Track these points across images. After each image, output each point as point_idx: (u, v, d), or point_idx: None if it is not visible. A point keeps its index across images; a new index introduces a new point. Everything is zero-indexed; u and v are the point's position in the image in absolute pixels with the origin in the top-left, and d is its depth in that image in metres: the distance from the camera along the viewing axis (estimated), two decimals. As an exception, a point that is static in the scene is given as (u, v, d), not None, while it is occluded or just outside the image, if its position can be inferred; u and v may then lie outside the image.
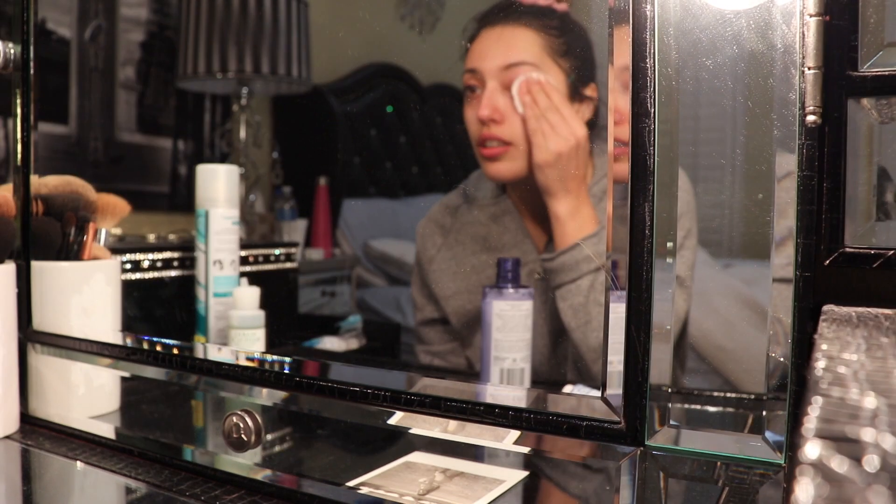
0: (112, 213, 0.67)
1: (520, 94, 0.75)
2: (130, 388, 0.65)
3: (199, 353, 0.60)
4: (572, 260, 0.74)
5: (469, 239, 0.86)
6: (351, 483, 0.43)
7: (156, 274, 0.80)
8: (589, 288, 0.73)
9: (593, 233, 0.74)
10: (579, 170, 0.75)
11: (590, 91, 0.79)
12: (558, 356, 0.80)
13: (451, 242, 0.87)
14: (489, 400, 0.42)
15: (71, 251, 0.60)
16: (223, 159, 1.73)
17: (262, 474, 0.46)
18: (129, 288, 0.77)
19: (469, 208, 0.87)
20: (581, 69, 0.78)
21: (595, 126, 0.82)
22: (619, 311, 0.37)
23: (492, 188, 0.86)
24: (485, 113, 0.76)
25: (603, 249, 0.67)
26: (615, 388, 0.38)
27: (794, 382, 0.33)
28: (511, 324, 0.63)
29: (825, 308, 0.33)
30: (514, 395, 0.51)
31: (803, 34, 0.34)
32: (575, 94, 0.79)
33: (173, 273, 0.82)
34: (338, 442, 0.57)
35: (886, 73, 0.33)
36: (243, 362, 0.50)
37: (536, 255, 0.82)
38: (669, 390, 0.45)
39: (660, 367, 0.37)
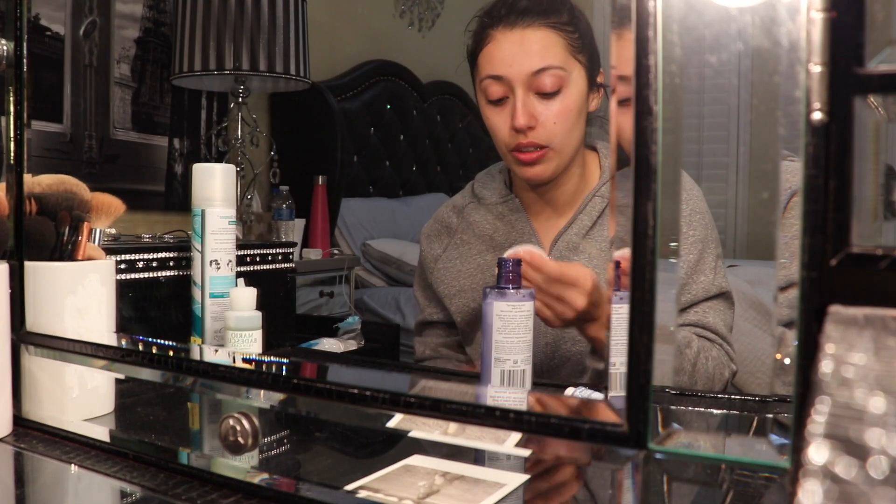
0: (107, 213, 0.66)
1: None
2: (125, 391, 0.64)
3: (195, 355, 0.60)
4: None
5: (475, 238, 0.85)
6: (349, 487, 0.43)
7: (151, 274, 0.80)
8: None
9: None
10: (597, 309, 0.68)
11: (600, 78, 0.79)
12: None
13: (457, 242, 0.86)
14: (490, 402, 0.42)
15: (65, 251, 0.60)
16: (220, 158, 1.72)
17: (259, 478, 0.45)
18: (124, 288, 0.76)
19: (476, 207, 0.86)
20: (593, 59, 0.78)
21: (606, 112, 0.82)
22: (621, 312, 0.37)
23: (499, 187, 0.85)
24: (522, 122, 0.75)
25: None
26: (618, 391, 0.37)
27: (800, 384, 0.32)
28: (512, 325, 0.63)
29: (831, 309, 0.32)
30: (515, 397, 0.51)
31: (809, 31, 0.33)
32: (591, 85, 0.78)
33: (169, 273, 0.81)
34: (336, 445, 0.57)
35: (894, 70, 0.32)
36: (240, 364, 0.49)
37: (544, 254, 0.82)
38: (673, 392, 0.44)
39: (663, 368, 0.36)
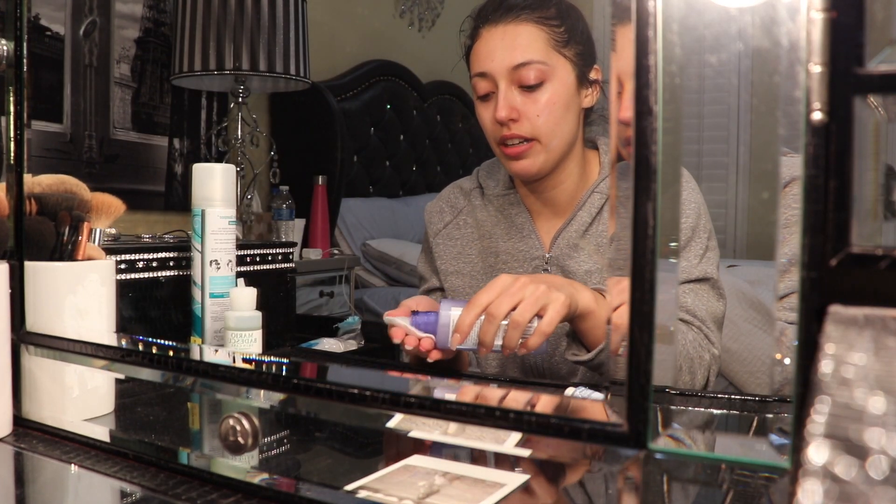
0: (107, 213, 0.66)
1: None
2: (125, 391, 0.64)
3: (195, 355, 0.60)
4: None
5: (477, 225, 0.86)
6: (349, 487, 0.43)
7: (151, 274, 0.80)
8: None
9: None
10: (568, 286, 0.67)
11: (594, 74, 0.80)
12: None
13: (459, 223, 0.87)
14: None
15: (65, 251, 0.60)
16: (220, 158, 1.72)
17: (259, 478, 0.45)
18: (124, 288, 0.77)
19: (479, 196, 0.87)
20: (584, 54, 0.78)
21: (601, 108, 0.82)
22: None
23: (503, 179, 0.86)
24: (503, 114, 0.76)
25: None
26: (618, 391, 0.37)
27: (800, 384, 0.32)
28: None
29: (831, 309, 0.32)
30: (515, 397, 0.51)
31: (809, 31, 0.33)
32: (583, 81, 0.79)
33: (169, 273, 0.81)
34: (336, 445, 0.57)
35: (894, 70, 0.32)
36: (240, 364, 0.49)
37: (543, 251, 0.82)
38: (673, 392, 0.44)
39: (663, 368, 0.36)
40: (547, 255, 0.82)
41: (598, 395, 0.55)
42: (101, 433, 0.54)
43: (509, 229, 0.84)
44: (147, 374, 0.52)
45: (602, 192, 0.81)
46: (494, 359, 0.83)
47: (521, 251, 0.83)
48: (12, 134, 0.60)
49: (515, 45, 0.76)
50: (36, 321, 0.58)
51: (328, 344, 1.09)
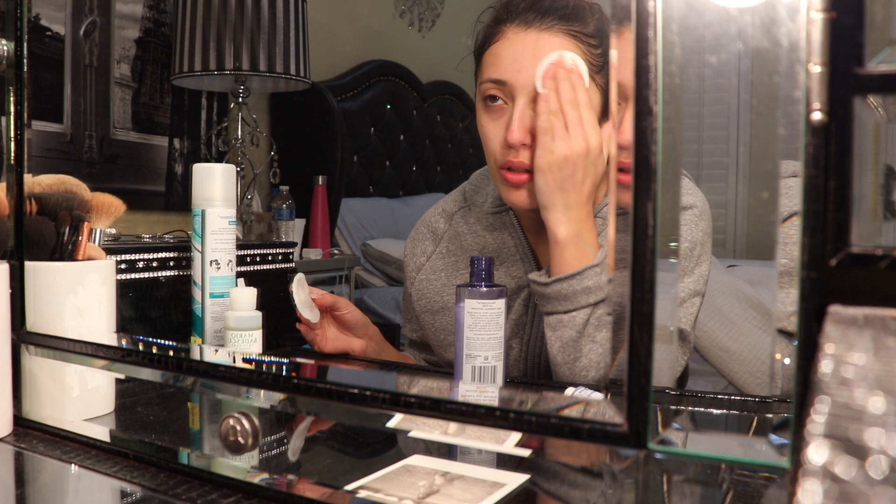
0: (107, 213, 0.66)
1: (543, 81, 0.64)
2: (125, 390, 0.64)
3: (196, 355, 0.60)
4: (570, 290, 0.64)
5: (462, 251, 0.77)
6: (349, 487, 0.43)
7: (151, 274, 0.80)
8: (584, 323, 0.64)
9: (595, 263, 0.64)
10: (585, 185, 0.64)
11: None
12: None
13: (442, 251, 0.79)
14: (461, 398, 0.41)
15: (65, 251, 0.60)
16: (220, 158, 1.72)
17: (259, 477, 0.45)
18: (124, 288, 0.77)
19: (466, 215, 0.79)
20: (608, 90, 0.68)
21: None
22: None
23: (495, 193, 0.77)
24: (516, 137, 0.65)
25: (604, 281, 0.63)
26: (618, 391, 0.37)
27: (800, 384, 0.32)
28: (483, 322, 0.62)
29: (831, 309, 0.32)
30: (515, 397, 0.51)
31: (809, 31, 0.33)
32: (606, 113, 0.68)
33: (169, 273, 0.81)
34: (336, 445, 0.57)
35: (894, 70, 0.32)
36: (240, 364, 0.49)
37: (538, 274, 0.71)
38: (673, 392, 0.45)
39: (663, 368, 0.36)
40: (534, 281, 0.73)
41: (598, 395, 0.55)
42: (101, 433, 0.54)
43: (500, 251, 0.76)
44: (147, 374, 0.52)
45: (603, 218, 0.73)
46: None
47: (515, 276, 0.75)
48: (12, 134, 0.60)
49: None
50: (36, 321, 0.58)
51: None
